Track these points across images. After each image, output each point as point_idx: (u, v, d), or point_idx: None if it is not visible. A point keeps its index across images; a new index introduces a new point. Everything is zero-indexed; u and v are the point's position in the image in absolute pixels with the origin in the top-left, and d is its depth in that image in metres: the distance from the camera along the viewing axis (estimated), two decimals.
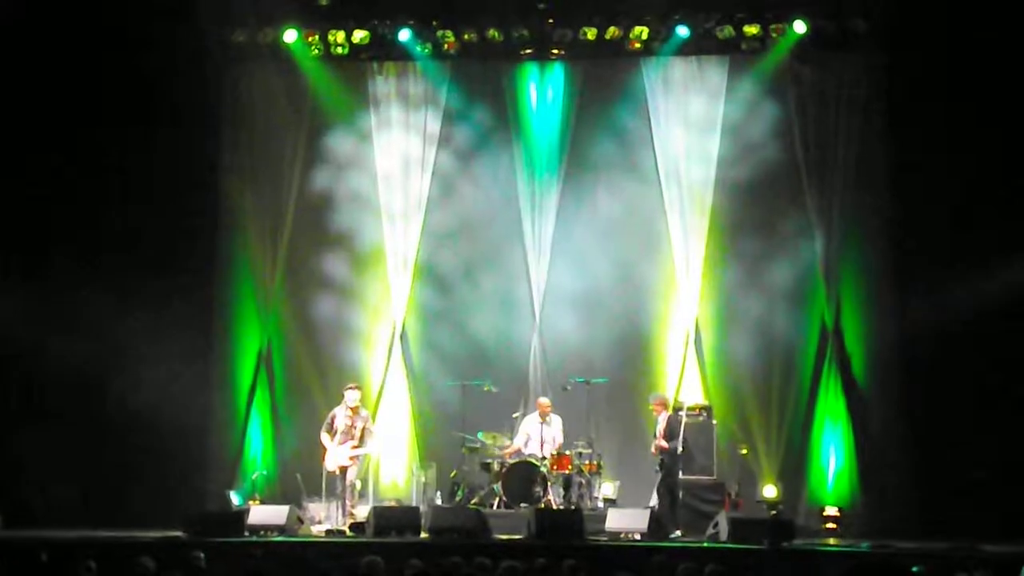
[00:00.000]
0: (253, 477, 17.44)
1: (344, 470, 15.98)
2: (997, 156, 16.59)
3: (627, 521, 15.11)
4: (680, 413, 16.22)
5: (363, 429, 16.09)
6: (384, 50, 18.59)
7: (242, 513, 15.43)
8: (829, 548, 14.63)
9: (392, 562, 10.31)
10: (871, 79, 17.73)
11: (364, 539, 14.50)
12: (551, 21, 18.16)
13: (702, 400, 17.37)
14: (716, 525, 14.96)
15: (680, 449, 15.79)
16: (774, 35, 17.89)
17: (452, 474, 17.04)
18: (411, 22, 18.27)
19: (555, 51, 18.44)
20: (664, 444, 15.77)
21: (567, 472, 16.39)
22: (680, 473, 15.92)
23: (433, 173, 18.58)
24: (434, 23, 18.31)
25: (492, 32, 18.12)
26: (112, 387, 17.30)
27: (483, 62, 18.69)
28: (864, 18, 17.53)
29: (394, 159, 18.64)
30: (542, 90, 18.63)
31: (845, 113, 17.87)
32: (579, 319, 18.37)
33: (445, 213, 18.71)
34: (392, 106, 18.77)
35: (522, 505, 16.01)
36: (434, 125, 18.64)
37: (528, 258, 18.39)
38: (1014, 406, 16.20)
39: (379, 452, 16.42)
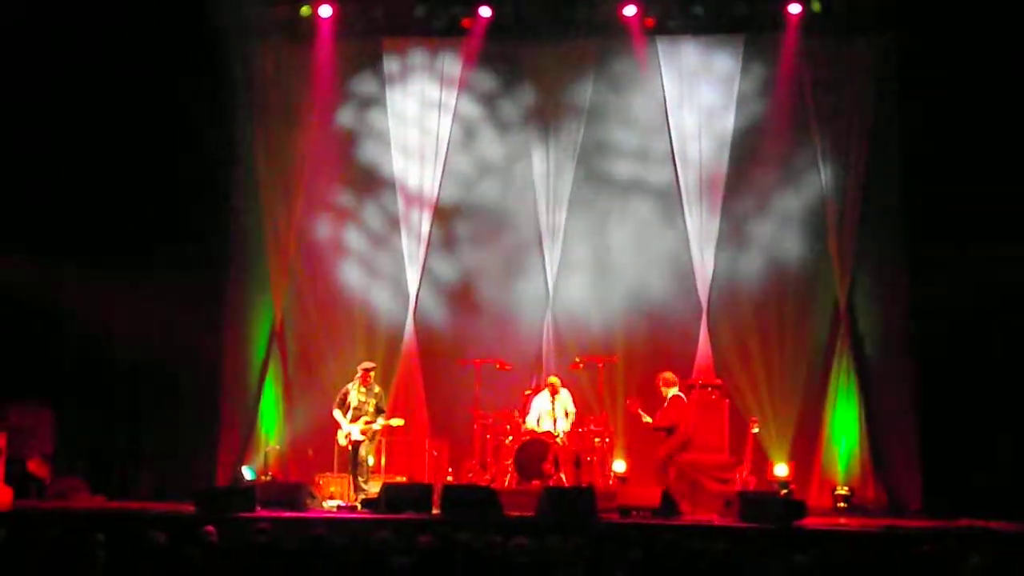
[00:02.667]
0: (265, 452, 17.49)
1: (356, 446, 16.01)
2: (1012, 133, 16.51)
3: (638, 499, 15.12)
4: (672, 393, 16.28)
5: (376, 406, 16.12)
6: (401, 27, 18.55)
7: (254, 488, 15.47)
8: (840, 527, 14.60)
9: (403, 538, 10.33)
10: (884, 57, 17.65)
11: (376, 515, 14.53)
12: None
13: (714, 378, 17.38)
14: (728, 504, 14.96)
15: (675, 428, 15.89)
16: (788, 13, 17.81)
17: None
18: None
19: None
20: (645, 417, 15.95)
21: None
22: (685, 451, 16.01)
23: (448, 142, 18.64)
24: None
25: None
26: (123, 360, 17.31)
27: (499, 41, 18.65)
28: None
29: (410, 129, 18.67)
30: (558, 71, 18.61)
31: (859, 92, 17.82)
32: (592, 297, 18.40)
33: (459, 189, 18.79)
34: (408, 80, 18.80)
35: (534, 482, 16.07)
36: (449, 96, 18.66)
37: (543, 239, 18.42)
38: None
39: (392, 427, 16.40)
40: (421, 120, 18.71)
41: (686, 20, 18.22)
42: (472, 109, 18.84)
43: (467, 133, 18.84)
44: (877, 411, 17.43)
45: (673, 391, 16.13)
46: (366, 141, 18.86)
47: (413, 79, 18.79)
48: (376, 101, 18.83)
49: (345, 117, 18.85)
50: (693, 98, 18.37)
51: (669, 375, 16.36)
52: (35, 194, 17.15)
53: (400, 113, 18.76)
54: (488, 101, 18.87)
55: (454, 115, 18.66)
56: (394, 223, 18.62)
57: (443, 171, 18.57)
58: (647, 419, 15.98)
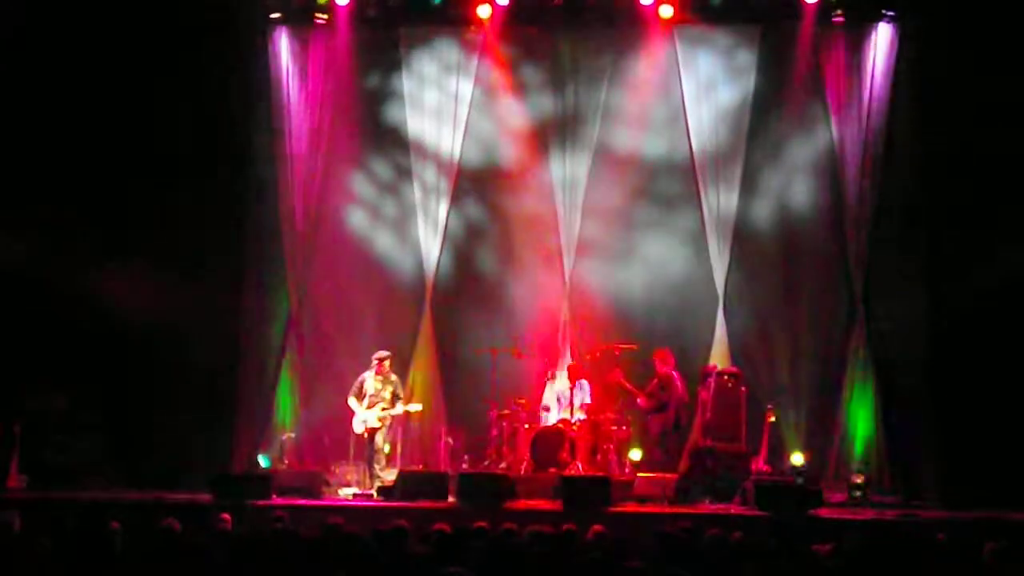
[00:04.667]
0: (281, 440, 17.50)
1: (372, 434, 16.04)
2: None
3: (654, 488, 15.14)
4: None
5: (392, 394, 16.16)
6: (417, 15, 18.54)
7: (270, 476, 15.50)
8: (855, 517, 14.58)
9: (419, 526, 10.34)
10: (901, 44, 17.59)
11: (392, 503, 14.55)
12: None
13: (731, 366, 17.36)
14: (743, 492, 14.96)
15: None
16: (804, 1, 17.75)
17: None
18: None
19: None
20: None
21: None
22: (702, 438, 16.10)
23: (465, 132, 18.61)
24: None
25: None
26: (139, 348, 17.32)
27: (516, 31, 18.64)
28: None
29: (427, 122, 18.65)
30: (575, 61, 18.60)
31: (875, 81, 17.75)
32: (609, 285, 18.37)
33: (477, 176, 18.79)
34: (425, 66, 18.80)
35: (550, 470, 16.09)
36: (465, 86, 18.65)
37: (560, 228, 18.41)
38: None
39: (411, 413, 16.43)
40: (438, 113, 18.65)
41: (704, 9, 18.14)
42: (488, 100, 18.77)
43: (484, 123, 18.79)
44: (893, 400, 17.36)
45: (667, 369, 16.36)
46: (382, 131, 18.83)
47: (430, 69, 18.76)
48: (393, 92, 18.80)
49: (362, 106, 18.79)
50: (710, 88, 18.32)
51: (665, 352, 16.51)
52: (55, 177, 17.14)
53: (417, 103, 18.71)
54: (505, 92, 18.79)
55: (471, 104, 18.61)
56: (411, 211, 18.60)
57: (460, 159, 18.54)
58: (628, 387, 16.45)
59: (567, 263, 18.29)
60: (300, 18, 18.45)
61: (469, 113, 18.61)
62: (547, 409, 17.09)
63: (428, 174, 18.60)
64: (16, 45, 16.77)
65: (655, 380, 16.70)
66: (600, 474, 15.70)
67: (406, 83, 18.73)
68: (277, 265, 18.36)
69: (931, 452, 16.71)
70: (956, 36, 16.59)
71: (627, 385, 16.70)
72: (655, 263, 18.39)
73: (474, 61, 18.63)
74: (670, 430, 16.42)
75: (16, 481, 15.95)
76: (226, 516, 11.29)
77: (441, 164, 18.53)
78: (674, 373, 16.62)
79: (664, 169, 18.53)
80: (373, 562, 8.90)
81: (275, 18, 18.30)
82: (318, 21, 18.32)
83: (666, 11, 17.93)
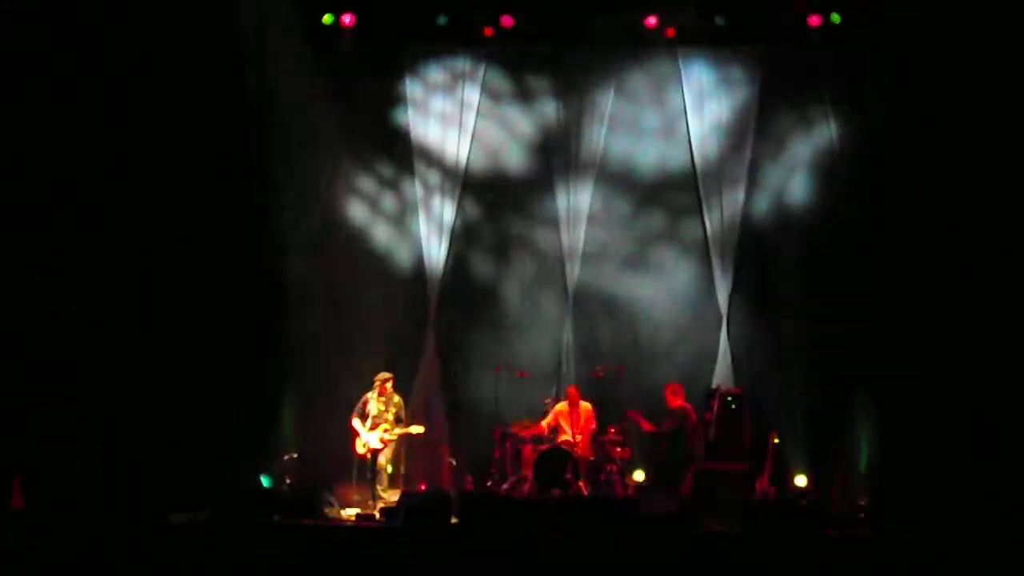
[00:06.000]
0: (284, 459, 17.47)
1: (375, 454, 16.04)
2: None
3: (657, 508, 15.10)
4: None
5: (395, 414, 16.18)
6: (422, 34, 18.56)
7: (271, 495, 15.48)
8: (860, 537, 14.54)
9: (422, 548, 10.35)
10: (905, 69, 17.60)
11: (394, 524, 14.53)
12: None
13: (733, 387, 17.35)
14: (747, 513, 14.91)
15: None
16: (808, 24, 17.81)
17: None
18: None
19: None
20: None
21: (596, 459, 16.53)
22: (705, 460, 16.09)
23: (471, 146, 18.66)
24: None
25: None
26: (141, 366, 17.26)
27: (522, 49, 18.71)
28: (895, 9, 17.39)
29: (431, 135, 18.70)
30: (579, 80, 18.65)
31: (879, 105, 17.75)
32: (612, 304, 18.40)
33: (480, 196, 18.82)
34: (429, 81, 18.86)
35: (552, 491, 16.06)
36: (469, 106, 18.69)
37: (563, 248, 18.45)
38: None
39: (412, 434, 16.42)
40: (443, 133, 18.68)
41: (707, 31, 18.19)
42: (492, 118, 18.83)
43: (488, 144, 18.81)
44: (899, 421, 17.31)
45: (679, 402, 16.37)
46: (387, 148, 18.85)
47: (435, 88, 18.80)
48: (398, 110, 18.84)
49: (366, 126, 18.80)
50: (712, 109, 18.39)
51: (677, 386, 16.53)
52: (69, 194, 17.11)
53: (422, 121, 18.74)
54: (508, 110, 18.86)
55: (475, 125, 18.66)
56: (414, 230, 18.64)
57: (464, 178, 18.56)
58: (649, 426, 16.33)
59: (570, 283, 18.30)
60: (305, 39, 18.43)
61: (474, 128, 18.66)
62: (550, 430, 17.06)
63: (434, 201, 18.61)
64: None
65: (668, 422, 16.63)
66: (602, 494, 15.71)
67: (410, 97, 18.77)
68: (280, 283, 18.31)
69: (936, 473, 16.65)
70: (964, 63, 16.57)
71: (646, 426, 16.66)
72: (658, 278, 18.43)
73: (478, 77, 18.67)
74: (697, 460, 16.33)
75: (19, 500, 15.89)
76: (228, 535, 11.28)
77: (445, 187, 18.56)
78: (687, 405, 16.62)
79: (667, 194, 18.58)
80: None
81: (280, 39, 18.30)
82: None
83: (650, 20, 18.05)
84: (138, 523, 13.99)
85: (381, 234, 18.78)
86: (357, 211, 18.81)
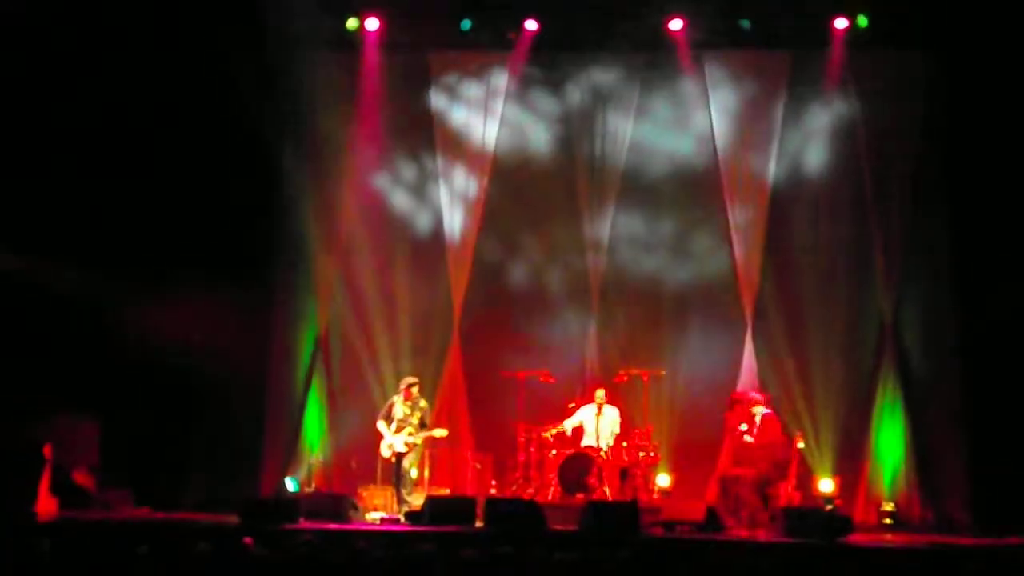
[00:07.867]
0: (309, 463, 17.51)
1: (399, 458, 16.05)
2: None
3: (683, 514, 15.06)
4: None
5: (421, 419, 16.18)
6: (446, 39, 18.60)
7: (297, 500, 15.49)
8: (886, 544, 14.48)
9: (446, 551, 10.32)
10: (933, 72, 17.55)
11: (419, 527, 14.51)
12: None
13: (759, 391, 17.29)
14: (772, 519, 14.88)
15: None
16: (834, 27, 17.75)
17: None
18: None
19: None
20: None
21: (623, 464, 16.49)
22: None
23: (494, 155, 18.69)
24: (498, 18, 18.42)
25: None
26: (168, 372, 17.31)
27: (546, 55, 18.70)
28: (925, 13, 17.31)
29: (458, 141, 18.76)
30: (604, 84, 18.65)
31: (906, 108, 17.73)
32: (637, 308, 18.36)
33: (506, 199, 18.77)
34: (453, 88, 18.90)
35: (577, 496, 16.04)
36: (494, 109, 18.74)
37: (587, 251, 18.45)
38: None
39: (435, 438, 16.40)
40: (467, 133, 18.74)
41: (732, 35, 18.15)
42: (518, 122, 18.85)
43: (514, 144, 18.83)
44: (923, 426, 17.29)
45: (761, 409, 16.12)
46: (412, 155, 18.91)
47: (460, 93, 18.84)
48: (423, 117, 18.85)
49: (391, 133, 18.81)
50: (738, 113, 18.35)
51: (755, 394, 16.37)
52: (85, 208, 17.18)
53: (447, 125, 18.80)
54: (533, 114, 18.86)
55: (499, 128, 18.68)
56: (440, 238, 18.66)
57: (489, 180, 18.57)
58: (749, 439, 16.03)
59: (594, 287, 18.29)
60: (329, 45, 18.47)
61: (496, 141, 18.70)
62: (573, 431, 17.02)
63: (456, 212, 18.66)
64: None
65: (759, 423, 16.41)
66: (628, 499, 15.66)
67: (434, 105, 18.80)
68: (306, 288, 18.39)
69: (962, 478, 16.61)
70: (990, 66, 16.52)
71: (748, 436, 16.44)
72: (683, 289, 18.38)
73: (503, 84, 18.68)
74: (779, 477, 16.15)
75: (47, 504, 15.93)
76: (249, 540, 11.25)
77: (470, 188, 18.60)
78: (769, 410, 16.32)
79: (692, 197, 18.57)
80: None
81: (305, 44, 18.31)
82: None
83: (682, 28, 18.06)
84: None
85: (408, 247, 18.85)
86: (385, 223, 18.89)
